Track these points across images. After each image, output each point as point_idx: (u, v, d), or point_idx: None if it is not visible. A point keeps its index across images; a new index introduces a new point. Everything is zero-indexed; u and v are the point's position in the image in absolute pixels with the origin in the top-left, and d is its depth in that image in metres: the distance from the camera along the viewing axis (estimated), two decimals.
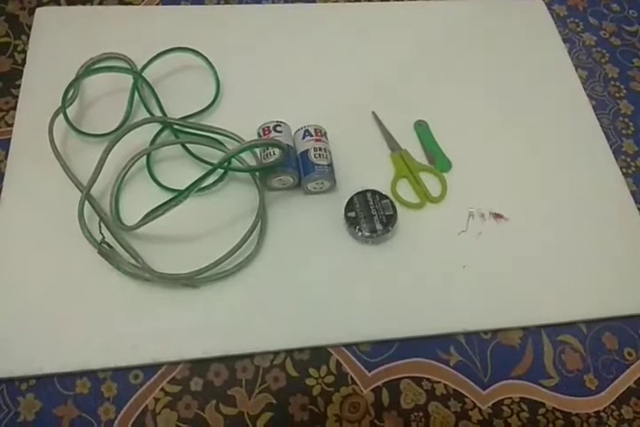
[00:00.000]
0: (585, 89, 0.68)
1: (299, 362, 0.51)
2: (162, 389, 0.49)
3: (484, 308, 0.54)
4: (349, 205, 0.55)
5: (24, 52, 0.65)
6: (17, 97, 0.62)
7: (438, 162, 0.60)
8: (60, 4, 0.70)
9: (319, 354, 0.51)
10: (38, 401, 0.48)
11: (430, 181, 0.59)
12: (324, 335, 0.52)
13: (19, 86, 0.63)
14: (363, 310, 0.53)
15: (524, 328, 0.54)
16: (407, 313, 0.53)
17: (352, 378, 0.51)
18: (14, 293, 0.52)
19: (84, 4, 0.70)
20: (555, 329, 0.55)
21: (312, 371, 0.51)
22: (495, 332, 0.54)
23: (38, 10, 0.67)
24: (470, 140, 0.62)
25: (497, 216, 0.58)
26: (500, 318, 0.54)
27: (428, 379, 0.51)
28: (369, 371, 0.51)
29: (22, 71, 0.63)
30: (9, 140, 0.59)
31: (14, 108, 0.61)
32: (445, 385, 0.51)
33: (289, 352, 0.51)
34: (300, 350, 0.51)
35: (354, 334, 0.52)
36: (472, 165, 0.61)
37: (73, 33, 0.66)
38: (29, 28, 0.67)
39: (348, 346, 0.52)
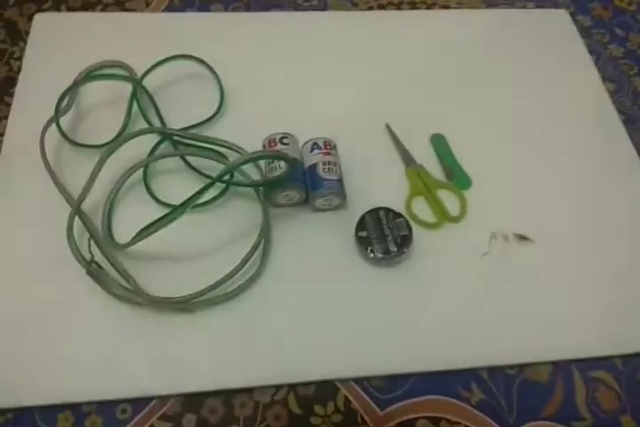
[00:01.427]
0: (613, 103, 0.64)
1: (303, 398, 0.46)
2: (151, 426, 0.44)
3: (509, 340, 0.48)
4: (361, 224, 0.51)
5: (20, 59, 0.62)
6: (10, 105, 0.59)
7: (457, 178, 0.56)
8: (59, 10, 0.67)
9: (326, 389, 0.46)
10: None
11: (448, 199, 0.55)
12: (332, 368, 0.47)
13: (13, 94, 0.59)
14: (375, 341, 0.48)
15: (554, 363, 0.49)
16: (424, 344, 0.48)
17: (362, 417, 0.46)
18: None
19: (85, 10, 0.67)
20: (587, 364, 0.49)
21: (317, 408, 0.46)
22: (522, 367, 0.49)
23: (37, 15, 0.64)
24: (491, 155, 0.58)
25: (521, 238, 0.53)
26: (527, 351, 0.49)
27: (446, 419, 0.46)
28: (381, 409, 0.46)
29: (17, 79, 0.60)
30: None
31: (7, 117, 0.58)
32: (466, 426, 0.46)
33: (292, 387, 0.46)
34: (305, 384, 0.46)
35: (364, 368, 0.47)
36: (493, 181, 0.56)
37: (72, 40, 0.63)
38: (27, 34, 0.64)
39: (357, 380, 0.47)
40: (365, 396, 0.46)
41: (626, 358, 0.50)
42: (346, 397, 0.46)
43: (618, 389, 0.48)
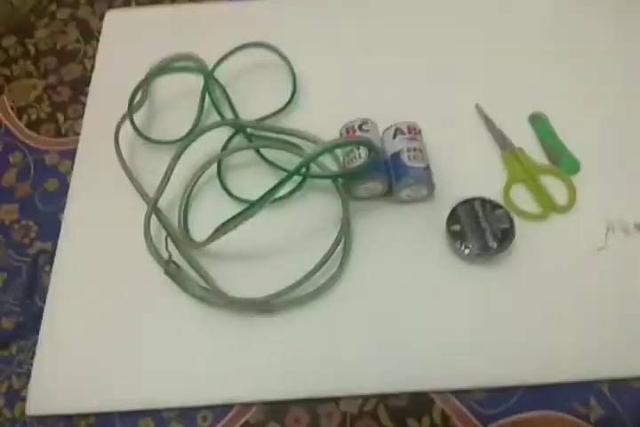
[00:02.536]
0: None
1: (394, 410, 0.42)
2: None
3: (634, 348, 0.41)
4: (453, 217, 0.46)
5: (94, 57, 0.62)
6: (85, 104, 0.58)
7: (563, 162, 0.49)
8: (130, 6, 0.66)
9: (420, 401, 0.42)
10: None
11: (554, 186, 0.48)
12: (426, 378, 0.42)
13: (87, 94, 0.59)
14: (475, 348, 0.42)
15: None
16: (533, 353, 0.42)
17: None
18: (72, 319, 0.47)
19: (154, 3, 0.66)
20: None
21: (411, 422, 0.41)
22: None
23: (108, 13, 0.64)
24: (601, 134, 0.50)
25: None
26: None
27: None
28: (484, 425, 0.41)
29: (91, 78, 0.60)
30: (76, 150, 0.55)
31: (82, 117, 0.57)
32: None
33: (382, 398, 0.42)
34: (396, 395, 0.42)
35: (464, 378, 0.42)
36: (606, 164, 0.49)
37: (143, 35, 0.62)
38: (100, 32, 0.64)
39: (456, 393, 0.42)
40: (465, 410, 0.41)
41: None
42: (443, 411, 0.41)
43: None
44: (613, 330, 0.42)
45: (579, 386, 0.41)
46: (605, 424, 0.40)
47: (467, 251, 0.44)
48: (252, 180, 0.52)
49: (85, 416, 0.44)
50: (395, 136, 0.48)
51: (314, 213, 0.50)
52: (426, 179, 0.47)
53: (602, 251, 0.45)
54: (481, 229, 0.44)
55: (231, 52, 0.58)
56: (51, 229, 0.52)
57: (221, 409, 0.43)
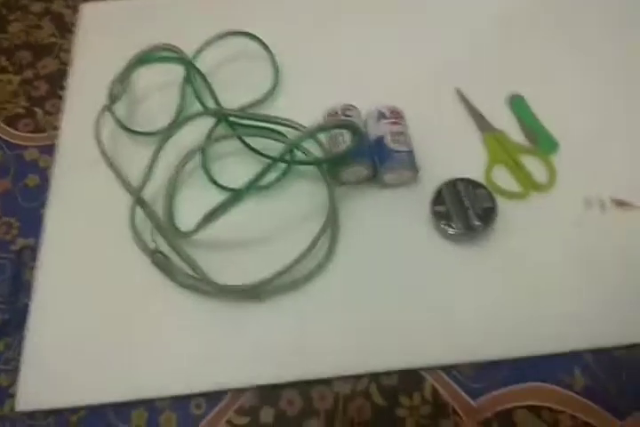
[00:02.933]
0: None
1: (386, 388, 0.42)
2: (228, 420, 0.42)
3: (615, 319, 0.43)
4: (437, 198, 0.46)
5: (70, 51, 0.61)
6: (63, 99, 0.58)
7: (542, 142, 0.50)
8: None
9: (411, 378, 0.43)
10: None
11: (534, 166, 0.49)
12: (416, 356, 0.43)
13: (65, 88, 0.58)
14: (462, 325, 0.43)
15: None
16: (518, 327, 0.43)
17: (454, 408, 0.41)
18: (59, 313, 0.47)
19: None
20: None
21: (403, 399, 0.42)
22: (631, 347, 0.43)
23: (82, 6, 0.63)
24: (578, 114, 0.52)
25: (621, 204, 0.47)
26: (638, 330, 0.43)
27: (549, 408, 0.41)
28: (474, 399, 0.42)
29: (68, 71, 0.59)
30: (56, 144, 0.55)
31: (60, 111, 0.57)
32: (572, 416, 0.41)
33: (374, 376, 0.43)
34: (387, 373, 0.43)
35: (452, 354, 0.43)
36: (583, 142, 0.50)
37: (119, 27, 0.62)
38: (75, 26, 0.63)
39: (445, 369, 0.43)
40: (455, 385, 0.42)
41: None
42: (433, 386, 0.42)
43: None
44: (593, 301, 0.43)
45: (563, 357, 0.42)
46: (590, 392, 0.42)
47: (451, 230, 0.45)
48: (237, 168, 0.52)
49: (76, 410, 0.43)
50: (378, 120, 0.49)
51: (300, 200, 0.50)
52: (409, 162, 0.47)
53: (580, 226, 0.46)
54: (464, 209, 0.45)
55: (211, 41, 0.58)
56: (33, 225, 0.51)
57: (215, 396, 0.43)
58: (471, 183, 0.46)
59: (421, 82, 0.54)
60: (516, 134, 0.51)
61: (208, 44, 0.58)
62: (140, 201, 0.49)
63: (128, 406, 0.43)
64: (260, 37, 0.57)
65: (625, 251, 0.45)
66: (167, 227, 0.48)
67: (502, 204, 0.46)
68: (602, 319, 0.43)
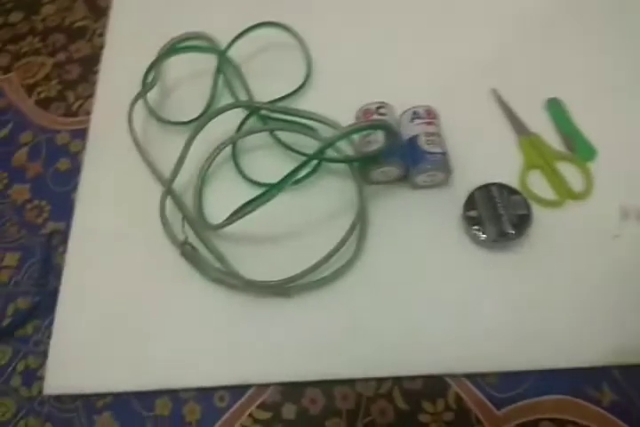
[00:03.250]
0: None
1: (409, 393, 0.42)
2: (250, 415, 0.43)
3: None
4: (470, 203, 0.46)
5: (103, 35, 0.61)
6: (95, 83, 0.57)
7: (579, 148, 0.49)
8: None
9: (435, 384, 0.42)
10: (115, 421, 0.43)
11: (570, 173, 0.48)
12: (441, 362, 0.42)
13: (97, 73, 0.58)
14: (489, 333, 0.43)
15: None
16: (546, 338, 0.42)
17: (477, 417, 0.41)
18: (88, 299, 0.47)
19: None
20: None
21: (426, 405, 0.42)
22: None
23: None
24: (618, 121, 0.50)
25: None
26: None
27: (573, 422, 0.41)
28: (498, 409, 0.41)
29: (101, 56, 0.59)
30: (87, 129, 0.55)
31: (91, 96, 0.57)
32: None
33: (397, 380, 0.43)
34: (411, 378, 0.43)
35: (478, 362, 0.42)
36: (622, 150, 0.48)
37: (153, 12, 0.61)
38: (109, 9, 0.62)
39: (470, 376, 0.42)
40: (480, 393, 0.42)
41: None
42: (457, 394, 0.42)
43: None
44: (625, 317, 0.42)
45: (592, 371, 0.42)
46: (616, 408, 0.41)
47: (483, 237, 0.44)
48: (267, 162, 0.51)
49: (103, 396, 0.44)
50: (412, 120, 0.48)
51: (329, 197, 0.49)
52: (443, 164, 0.47)
53: (617, 238, 0.45)
54: (498, 215, 0.44)
55: (245, 32, 0.57)
56: (63, 210, 0.52)
57: (238, 390, 0.43)
58: (506, 189, 0.45)
59: (457, 82, 0.53)
60: (552, 139, 0.49)
61: (242, 34, 0.57)
62: (170, 191, 0.49)
63: (153, 395, 0.44)
64: (294, 29, 0.56)
65: None
66: (196, 219, 0.48)
67: (537, 211, 0.45)
68: (633, 336, 0.42)
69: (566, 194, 0.47)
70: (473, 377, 0.42)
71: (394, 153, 0.47)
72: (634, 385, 0.41)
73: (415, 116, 0.48)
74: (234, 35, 0.57)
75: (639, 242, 0.45)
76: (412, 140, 0.47)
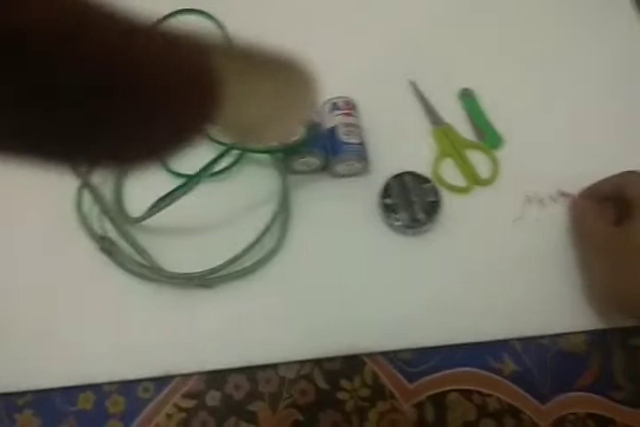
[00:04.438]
0: None
1: (329, 373, 0.45)
2: (174, 404, 0.44)
3: (544, 309, 0.46)
4: (386, 191, 0.48)
5: None
6: None
7: (488, 137, 0.52)
8: None
9: (352, 363, 0.45)
10: (37, 418, 0.43)
11: (480, 161, 0.51)
12: (358, 342, 0.45)
13: None
14: (402, 313, 0.45)
15: (591, 332, 0.46)
16: (453, 316, 0.45)
17: (390, 391, 0.44)
18: (4, 297, 0.46)
19: None
20: (626, 332, 0.47)
21: (344, 383, 0.44)
22: (556, 337, 0.46)
23: None
24: (525, 111, 0.53)
25: (563, 195, 0.49)
26: (563, 320, 0.46)
27: (478, 392, 0.44)
28: (410, 382, 0.44)
29: None
30: None
31: None
32: (499, 399, 0.44)
33: (318, 362, 0.45)
34: (331, 359, 0.45)
35: (392, 341, 0.45)
36: (528, 139, 0.51)
37: None
38: None
39: (385, 354, 0.45)
40: (393, 369, 0.45)
41: None
42: (373, 371, 0.45)
43: None
44: (524, 294, 0.46)
45: (494, 345, 0.45)
46: (516, 377, 0.45)
47: (398, 223, 0.47)
48: (190, 154, 0.51)
49: (22, 394, 0.44)
50: (331, 111, 0.49)
51: (252, 187, 0.50)
52: (360, 154, 0.48)
53: (519, 221, 0.48)
54: (411, 202, 0.47)
55: (164, 18, 0.56)
56: None
57: (162, 380, 0.44)
58: (418, 177, 0.48)
59: (375, 73, 0.54)
60: (465, 129, 0.52)
61: (161, 21, 0.56)
62: (87, 184, 0.48)
63: (76, 390, 0.44)
64: (215, 16, 0.56)
65: (557, 247, 0.48)
66: (116, 212, 0.48)
67: (448, 197, 0.48)
68: (531, 311, 0.46)
69: (474, 180, 0.50)
70: (387, 354, 0.45)
71: (314, 144, 0.48)
72: (531, 356, 0.45)
73: (334, 107, 0.50)
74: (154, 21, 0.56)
75: (538, 225, 0.48)
76: (331, 131, 0.48)
